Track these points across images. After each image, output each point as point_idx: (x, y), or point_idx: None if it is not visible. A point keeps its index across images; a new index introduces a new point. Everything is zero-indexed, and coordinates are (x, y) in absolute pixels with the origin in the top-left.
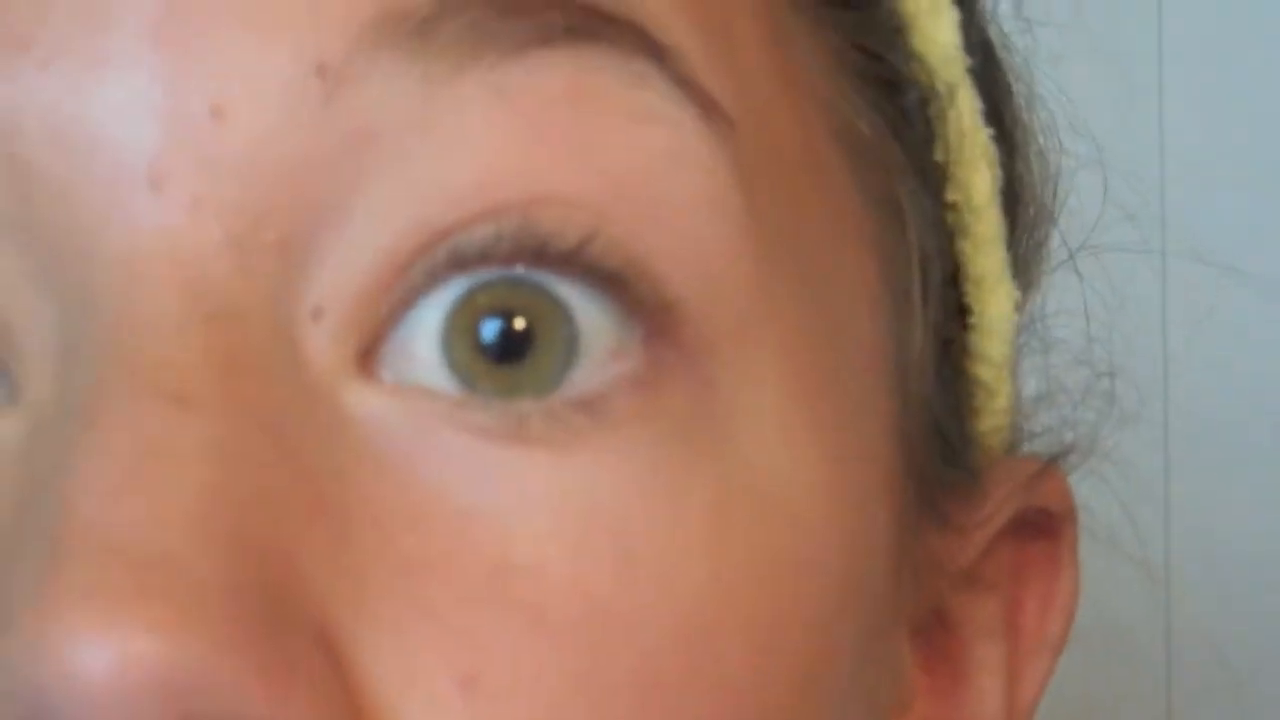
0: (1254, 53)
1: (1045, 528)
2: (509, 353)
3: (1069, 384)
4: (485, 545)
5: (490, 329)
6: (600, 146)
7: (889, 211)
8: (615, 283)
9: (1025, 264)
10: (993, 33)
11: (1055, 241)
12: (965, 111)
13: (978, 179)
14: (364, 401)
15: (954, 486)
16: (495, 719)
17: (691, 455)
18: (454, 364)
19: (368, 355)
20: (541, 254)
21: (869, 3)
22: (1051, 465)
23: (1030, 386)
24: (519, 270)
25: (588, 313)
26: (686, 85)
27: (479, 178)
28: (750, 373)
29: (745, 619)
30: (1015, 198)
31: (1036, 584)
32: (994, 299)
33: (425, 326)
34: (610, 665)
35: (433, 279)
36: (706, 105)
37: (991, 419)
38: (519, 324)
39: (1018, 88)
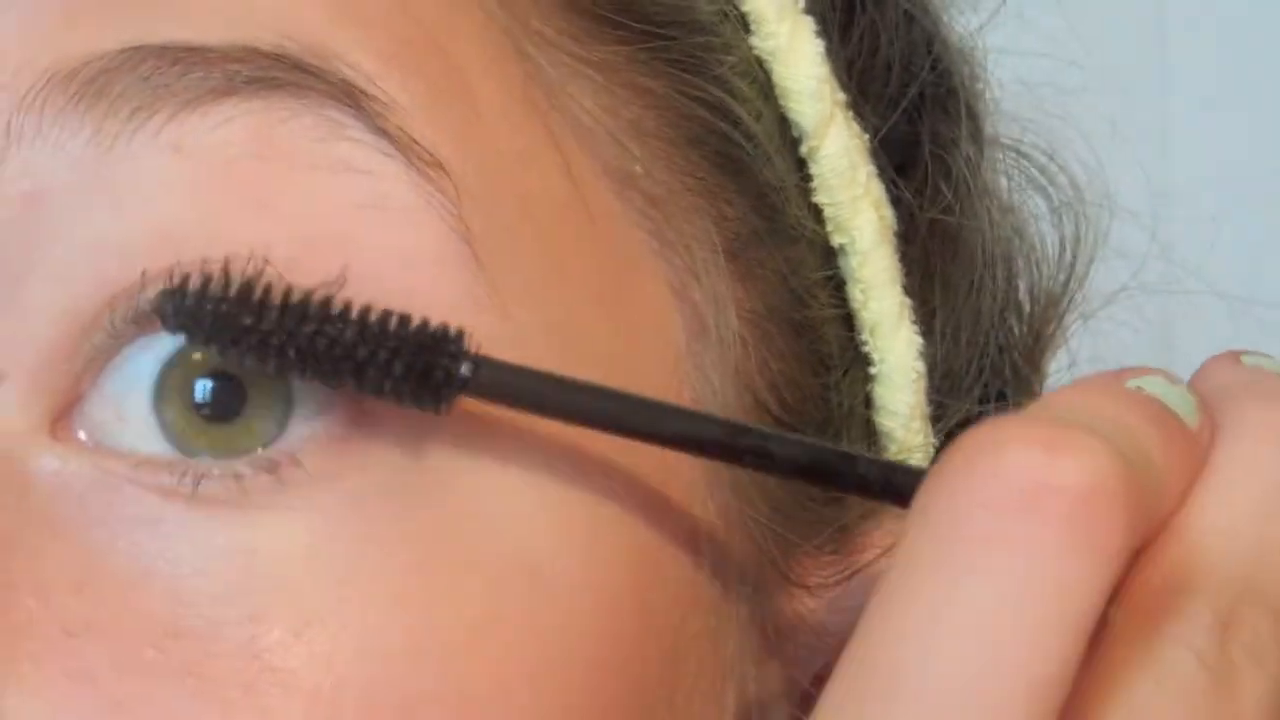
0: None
1: None
2: (222, 411)
3: None
4: (156, 608)
5: (203, 388)
6: (288, 198)
7: (689, 261)
8: None
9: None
10: (950, 64)
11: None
12: (840, 150)
13: (860, 220)
14: (53, 463)
15: (812, 548)
16: None
17: (399, 510)
18: (165, 424)
19: (66, 414)
20: None
21: (700, 47)
22: None
23: None
24: None
25: None
26: (389, 135)
27: (156, 235)
28: (481, 426)
29: (454, 688)
30: (953, 239)
31: None
32: (893, 346)
33: (137, 385)
34: None
35: (118, 338)
36: (413, 155)
37: None
38: (232, 382)
39: (982, 124)
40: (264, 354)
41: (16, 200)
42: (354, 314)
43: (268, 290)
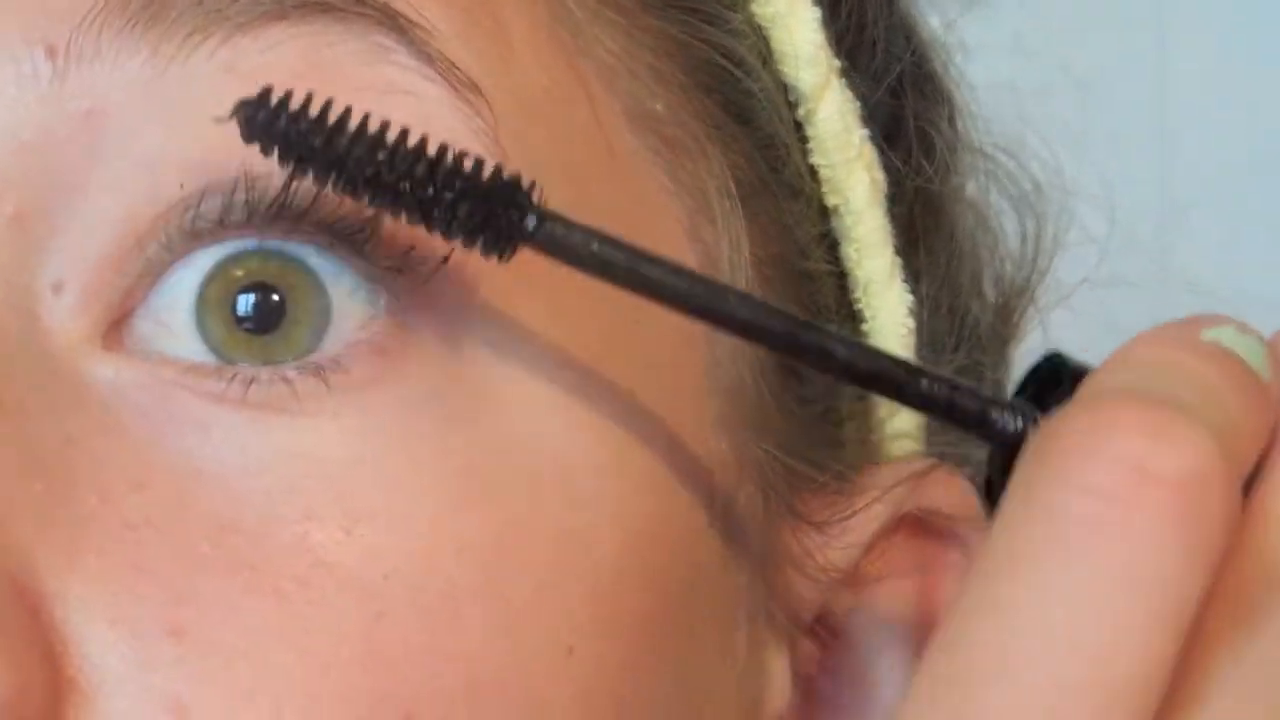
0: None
1: (949, 533)
2: (263, 324)
3: None
4: (210, 506)
5: (245, 302)
6: None
7: (703, 202)
8: (355, 240)
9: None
10: (926, 52)
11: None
12: (835, 113)
13: (854, 181)
14: (107, 372)
15: (816, 486)
16: (203, 670)
17: (439, 421)
18: (208, 336)
19: (116, 327)
20: (279, 217)
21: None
22: (940, 467)
23: None
24: (271, 243)
25: (340, 284)
26: (432, 60)
27: (209, 150)
28: (516, 347)
29: (495, 587)
30: (936, 210)
31: (951, 589)
32: (884, 304)
33: (180, 299)
34: (334, 625)
35: (171, 251)
36: (454, 79)
37: (893, 423)
38: (273, 296)
39: (960, 103)
40: (334, 175)
41: (76, 117)
42: (430, 150)
43: (346, 114)
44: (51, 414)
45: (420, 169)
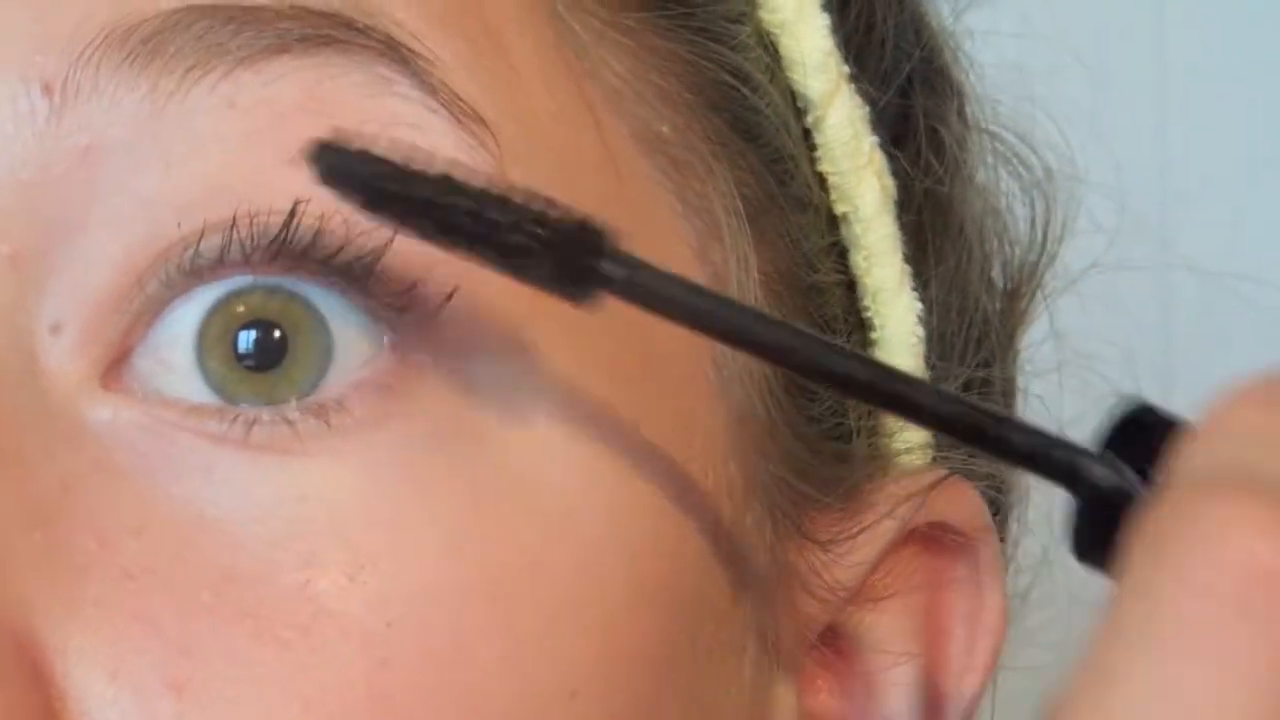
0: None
1: (957, 546)
2: (265, 361)
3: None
4: (212, 553)
5: (246, 339)
6: None
7: (711, 223)
8: (357, 277)
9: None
10: (936, 45)
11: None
12: (844, 120)
13: (864, 189)
14: (105, 413)
15: (823, 505)
16: None
17: (444, 459)
18: (208, 373)
19: (115, 367)
20: (279, 255)
21: (718, 15)
22: (949, 480)
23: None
24: (272, 279)
25: (342, 321)
26: (435, 91)
27: (209, 187)
28: (523, 382)
29: (502, 627)
30: (945, 211)
31: (960, 604)
32: (893, 312)
33: (180, 336)
34: (338, 674)
35: (171, 288)
36: (458, 111)
37: (903, 436)
38: (275, 333)
39: (969, 105)
40: (408, 220)
41: (74, 154)
42: (504, 193)
43: (416, 156)
44: (49, 459)
45: (495, 214)
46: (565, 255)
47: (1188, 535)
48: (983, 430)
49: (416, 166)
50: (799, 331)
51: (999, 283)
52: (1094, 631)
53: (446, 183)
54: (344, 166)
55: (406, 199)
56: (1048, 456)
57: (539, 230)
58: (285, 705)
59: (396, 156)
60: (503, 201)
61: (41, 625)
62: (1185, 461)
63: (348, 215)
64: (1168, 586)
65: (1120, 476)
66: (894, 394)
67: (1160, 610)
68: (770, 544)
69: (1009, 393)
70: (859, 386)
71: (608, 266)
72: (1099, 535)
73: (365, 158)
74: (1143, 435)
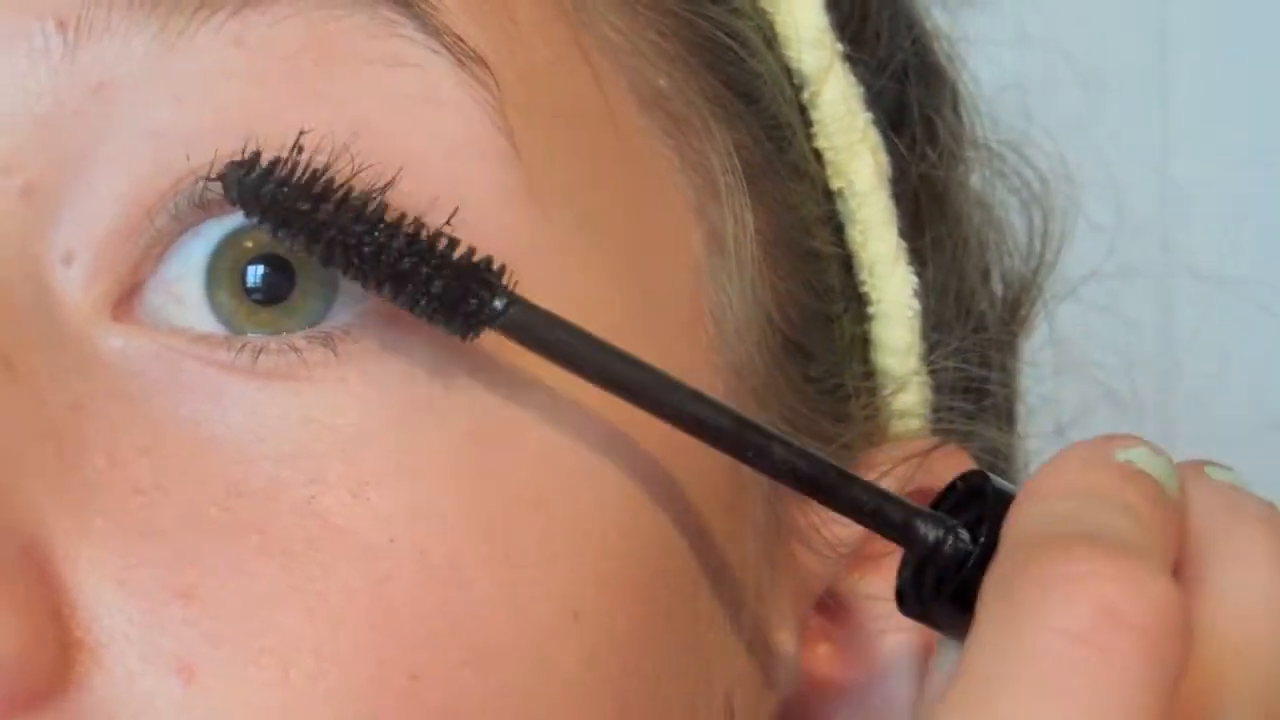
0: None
1: None
2: (272, 295)
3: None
4: (219, 471)
5: (254, 273)
6: (342, 88)
7: (708, 180)
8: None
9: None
10: (929, 42)
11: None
12: (839, 96)
13: (859, 164)
14: (117, 342)
15: None
16: (211, 631)
17: (447, 388)
18: (218, 307)
19: (127, 299)
20: None
21: None
22: (946, 446)
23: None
24: None
25: None
26: (438, 33)
27: (216, 122)
28: None
29: (502, 552)
30: (940, 197)
31: None
32: (889, 285)
33: (190, 270)
34: (341, 587)
35: (180, 221)
36: (460, 52)
37: (898, 403)
38: (283, 268)
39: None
40: (312, 242)
41: (87, 90)
42: (407, 225)
43: (330, 183)
44: (62, 380)
45: (397, 242)
46: (458, 290)
47: (1043, 583)
48: (832, 485)
49: (321, 188)
50: (669, 381)
51: (999, 292)
52: (949, 677)
53: (350, 208)
54: (256, 187)
55: (310, 222)
56: (882, 513)
57: (436, 263)
58: (290, 614)
59: (304, 178)
60: (406, 234)
61: (51, 534)
62: (1024, 520)
63: (355, 152)
64: (1025, 629)
65: (953, 536)
66: (749, 443)
67: (1020, 650)
68: (768, 496)
69: (1010, 398)
70: (715, 432)
71: (499, 304)
72: (924, 589)
73: (276, 179)
74: (976, 501)
